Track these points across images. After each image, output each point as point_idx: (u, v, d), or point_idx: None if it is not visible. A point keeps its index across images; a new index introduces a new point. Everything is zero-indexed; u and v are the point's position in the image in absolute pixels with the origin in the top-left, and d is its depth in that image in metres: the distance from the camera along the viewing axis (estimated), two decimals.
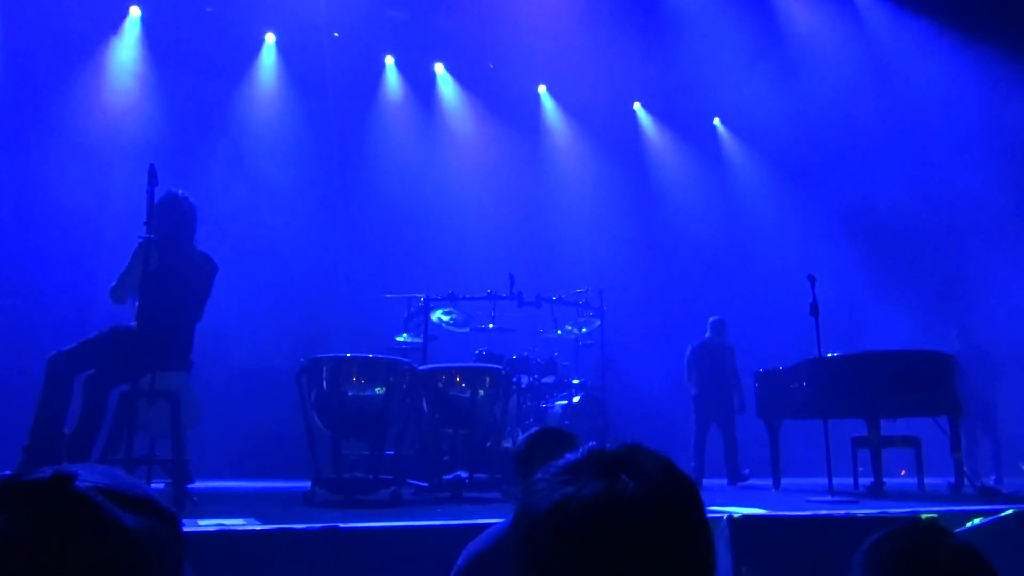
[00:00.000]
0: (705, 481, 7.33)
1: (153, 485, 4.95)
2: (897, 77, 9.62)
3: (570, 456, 0.85)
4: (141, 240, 4.05)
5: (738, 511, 3.81)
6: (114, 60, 8.64)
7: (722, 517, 3.65)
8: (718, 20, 9.58)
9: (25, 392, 5.09)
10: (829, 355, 6.07)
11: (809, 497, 5.38)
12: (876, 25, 9.75)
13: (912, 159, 9.68)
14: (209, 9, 8.80)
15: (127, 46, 8.73)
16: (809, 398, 6.27)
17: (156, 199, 4.10)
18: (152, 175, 3.93)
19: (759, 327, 9.46)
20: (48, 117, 8.02)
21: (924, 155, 9.55)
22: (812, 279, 5.66)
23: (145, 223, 3.90)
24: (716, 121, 11.30)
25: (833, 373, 6.05)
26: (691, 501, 0.83)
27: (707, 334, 8.02)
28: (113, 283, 4.29)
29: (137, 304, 4.18)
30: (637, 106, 11.17)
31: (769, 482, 6.89)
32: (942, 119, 9.28)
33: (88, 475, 0.74)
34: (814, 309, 5.62)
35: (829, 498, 5.16)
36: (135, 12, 8.79)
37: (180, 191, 4.53)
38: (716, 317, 8.10)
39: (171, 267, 4.21)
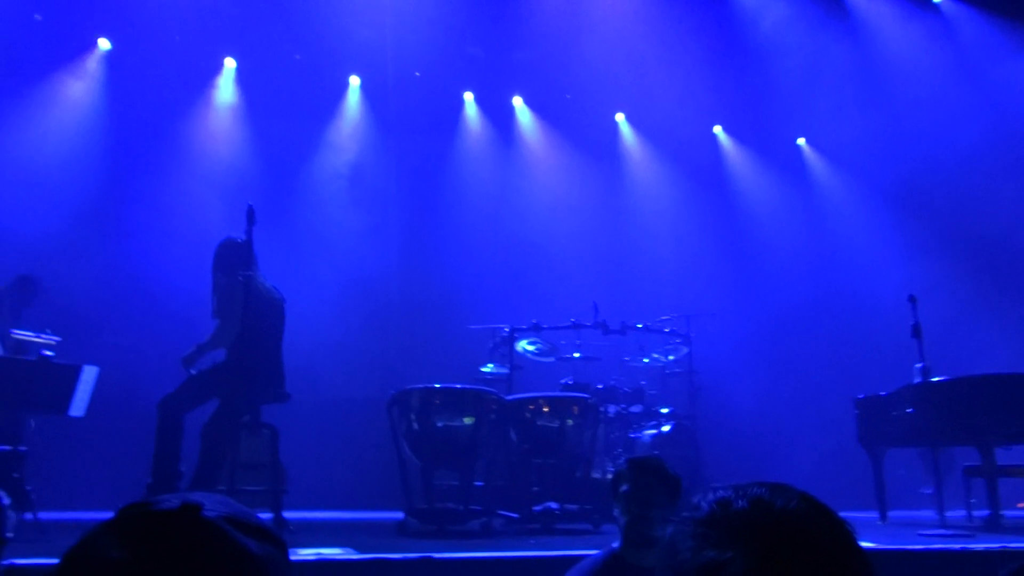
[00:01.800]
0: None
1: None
2: (994, 87, 9.20)
3: (703, 505, 0.81)
4: (239, 280, 4.21)
5: None
6: (211, 108, 9.13)
7: None
8: (798, 37, 9.40)
9: (134, 426, 5.34)
10: (936, 379, 5.77)
11: (920, 530, 5.09)
12: (968, 35, 9.37)
13: (1013, 172, 9.20)
14: (298, 56, 9.20)
15: (223, 94, 9.22)
16: (915, 425, 5.95)
17: (218, 245, 4.40)
18: (251, 215, 4.09)
19: (856, 351, 9.09)
20: (152, 166, 8.53)
21: None
22: (913, 300, 5.42)
23: (243, 262, 4.06)
24: (801, 141, 11.03)
25: (941, 398, 5.73)
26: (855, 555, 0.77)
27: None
28: (217, 328, 4.49)
29: (234, 341, 4.35)
30: (718, 129, 11.02)
31: (874, 514, 6.56)
32: None
33: (212, 504, 0.77)
34: (916, 331, 5.37)
35: (942, 531, 4.87)
36: (230, 63, 9.28)
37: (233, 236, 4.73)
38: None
39: (254, 304, 4.39)
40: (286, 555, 0.81)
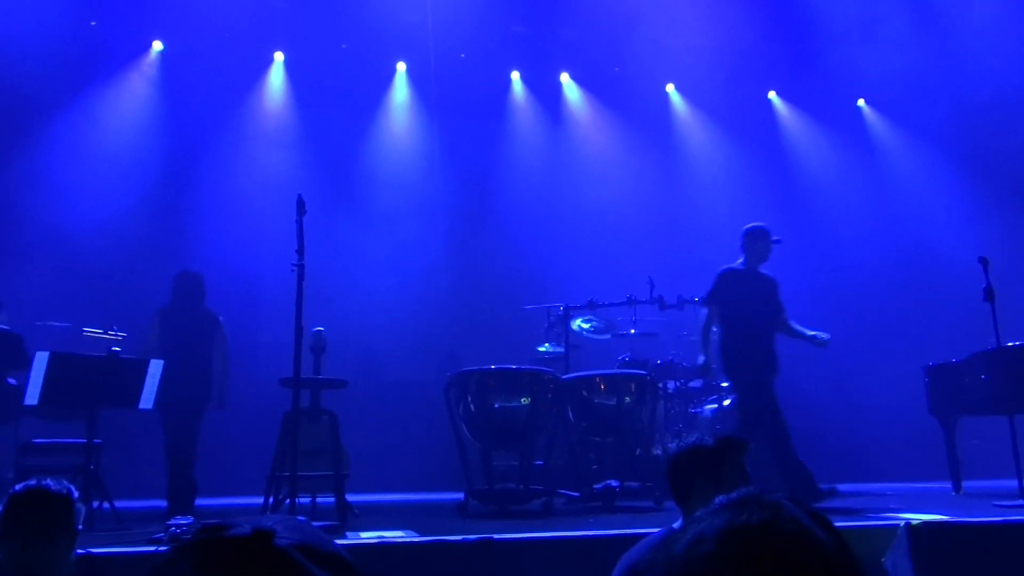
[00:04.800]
0: (884, 486, 6.85)
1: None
2: None
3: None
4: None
5: (917, 518, 3.52)
6: (263, 102, 9.28)
7: (899, 524, 3.38)
8: None
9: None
10: (1010, 344, 5.52)
11: (995, 501, 4.90)
12: None
13: None
14: (344, 46, 9.27)
15: (274, 88, 9.36)
16: (989, 392, 5.72)
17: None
18: (300, 205, 4.14)
19: (925, 317, 8.77)
20: (206, 162, 8.73)
21: None
22: (984, 262, 5.19)
23: (296, 251, 4.11)
24: (861, 102, 10.63)
25: (1017, 364, 5.48)
26: None
27: None
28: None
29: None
30: (772, 95, 10.71)
31: (947, 485, 6.35)
32: None
33: (284, 531, 0.76)
34: (989, 294, 5.14)
35: (1020, 502, 4.68)
36: (279, 56, 9.41)
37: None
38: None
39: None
40: None
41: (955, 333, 7.72)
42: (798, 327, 5.59)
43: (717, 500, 0.82)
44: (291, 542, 0.75)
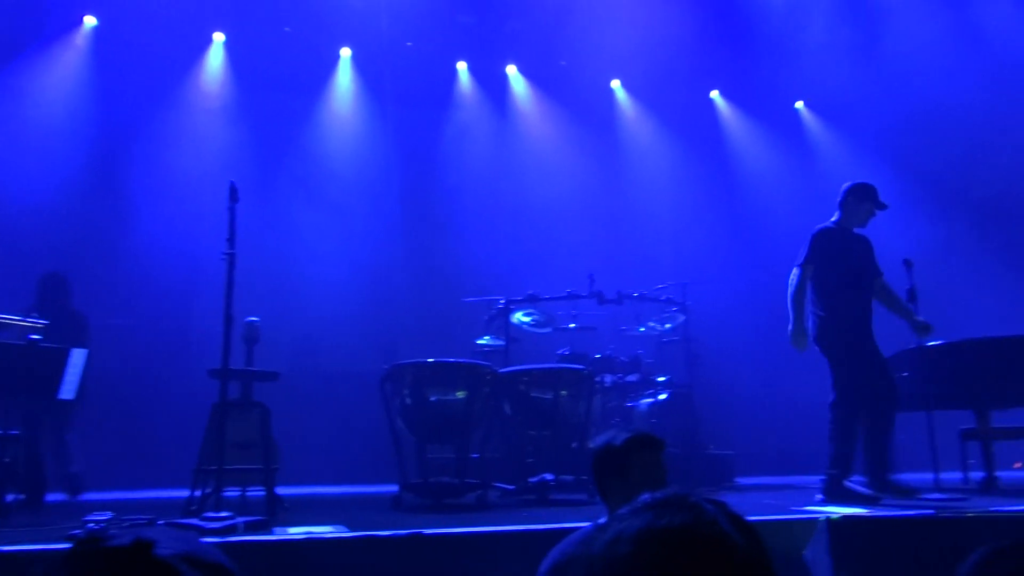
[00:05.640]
0: (803, 479, 7.05)
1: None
2: (994, 44, 9.03)
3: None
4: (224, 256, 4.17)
5: (837, 511, 3.63)
6: (201, 84, 9.03)
7: (820, 519, 3.48)
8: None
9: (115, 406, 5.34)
10: (931, 343, 5.74)
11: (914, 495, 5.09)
12: None
13: (1011, 130, 9.07)
14: (287, 29, 9.07)
15: (212, 70, 9.11)
16: (912, 390, 5.94)
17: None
18: (233, 192, 4.05)
19: None
20: (139, 143, 8.46)
21: None
22: (909, 264, 5.37)
23: (227, 239, 4.02)
24: (799, 104, 10.89)
25: (937, 362, 5.71)
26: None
27: None
28: None
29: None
30: (715, 94, 10.89)
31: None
32: None
33: (166, 541, 0.75)
34: (912, 295, 5.32)
35: (937, 495, 4.87)
36: (219, 37, 9.16)
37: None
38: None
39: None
40: None
41: (882, 332, 7.97)
42: (899, 298, 5.27)
43: (642, 499, 0.83)
44: (173, 552, 0.74)
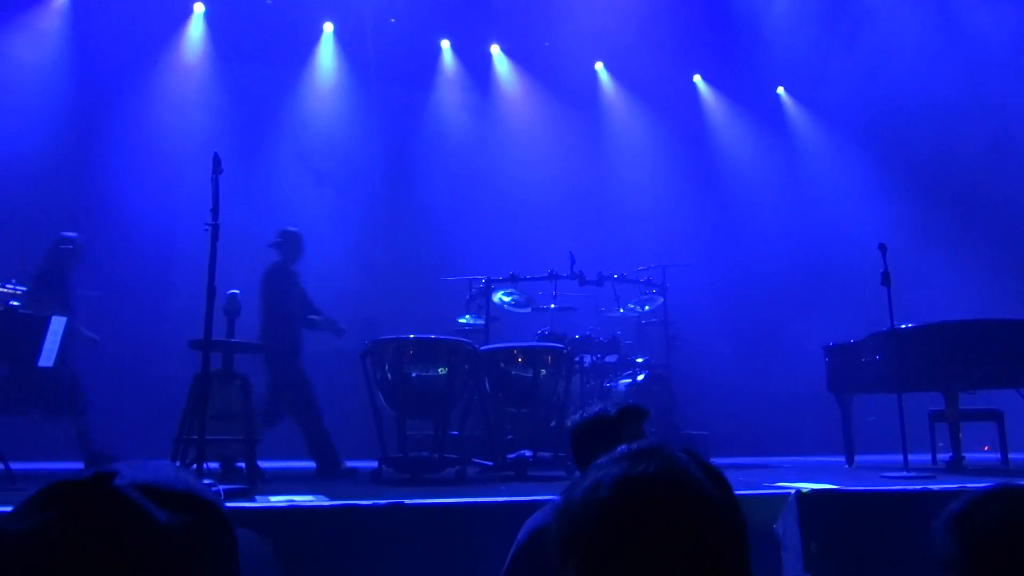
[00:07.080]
0: (783, 459, 7.19)
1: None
2: (970, 32, 9.16)
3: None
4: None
5: (807, 486, 3.73)
6: (181, 55, 8.91)
7: (790, 492, 3.57)
8: None
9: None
10: (903, 326, 5.85)
11: (883, 473, 5.23)
12: None
13: (989, 120, 9.22)
14: (269, 1, 8.97)
15: (192, 41, 8.99)
16: (882, 372, 6.06)
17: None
18: (216, 163, 4.03)
19: (827, 299, 9.19)
20: (118, 113, 8.34)
21: (1001, 115, 9.08)
22: (883, 248, 5.45)
23: (211, 210, 4.01)
24: (780, 90, 10.97)
25: (907, 345, 5.82)
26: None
27: None
28: None
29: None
30: (697, 78, 10.93)
31: (842, 459, 6.72)
32: (1018, 76, 8.80)
33: (130, 472, 0.76)
34: (885, 279, 5.42)
35: (904, 474, 5.00)
36: (199, 8, 9.04)
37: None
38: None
39: None
40: (219, 517, 0.81)
41: (856, 315, 8.13)
42: None
43: (619, 449, 0.88)
44: (132, 481, 0.75)
